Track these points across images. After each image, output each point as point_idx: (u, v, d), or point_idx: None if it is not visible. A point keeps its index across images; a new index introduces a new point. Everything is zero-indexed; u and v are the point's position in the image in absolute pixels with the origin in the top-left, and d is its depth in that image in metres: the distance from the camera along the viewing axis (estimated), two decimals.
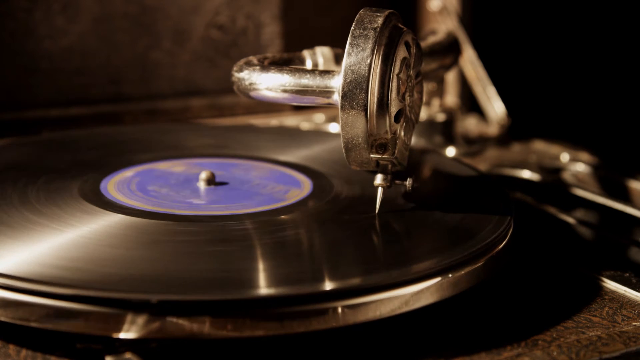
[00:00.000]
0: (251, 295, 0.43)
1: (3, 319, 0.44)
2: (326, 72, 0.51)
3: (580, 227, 0.62)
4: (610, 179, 0.72)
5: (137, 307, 0.42)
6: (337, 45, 0.59)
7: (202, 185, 0.57)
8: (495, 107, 0.84)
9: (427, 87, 0.77)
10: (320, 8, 0.93)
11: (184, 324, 0.42)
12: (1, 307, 0.43)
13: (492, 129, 0.83)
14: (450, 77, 0.90)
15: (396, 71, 0.49)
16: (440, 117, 0.79)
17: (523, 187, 0.70)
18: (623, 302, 0.51)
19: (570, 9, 1.04)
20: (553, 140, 0.82)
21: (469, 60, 0.85)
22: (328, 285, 0.44)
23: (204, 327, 0.42)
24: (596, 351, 0.45)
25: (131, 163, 0.61)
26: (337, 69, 0.57)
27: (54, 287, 0.43)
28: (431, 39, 0.67)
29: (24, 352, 0.44)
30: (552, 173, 0.73)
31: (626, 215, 0.64)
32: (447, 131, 0.79)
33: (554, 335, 0.47)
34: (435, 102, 0.79)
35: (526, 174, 0.72)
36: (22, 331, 0.45)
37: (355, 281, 0.44)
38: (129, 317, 0.42)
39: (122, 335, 0.42)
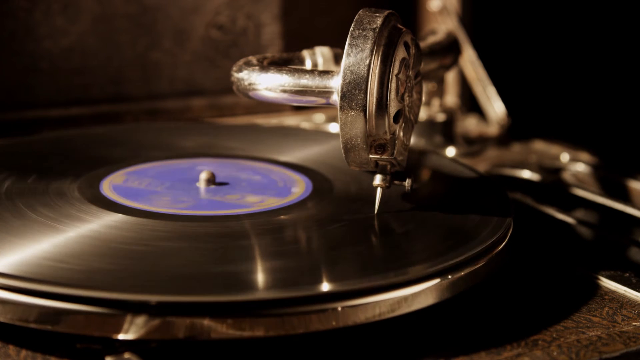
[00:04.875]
0: (250, 296, 0.43)
1: (3, 319, 0.44)
2: (325, 73, 0.51)
3: (580, 227, 0.62)
4: (610, 179, 0.72)
5: (137, 308, 0.42)
6: (337, 45, 0.59)
7: (202, 185, 0.57)
8: (495, 107, 0.84)
9: (427, 87, 0.77)
10: (320, 8, 0.93)
11: (184, 325, 0.42)
12: (1, 307, 0.44)
13: (492, 129, 0.83)
14: (450, 77, 0.90)
15: (395, 72, 0.49)
16: (440, 117, 0.79)
17: (523, 187, 0.70)
18: (623, 302, 0.51)
19: (570, 9, 1.04)
20: (553, 140, 0.82)
21: (469, 60, 0.85)
22: (327, 286, 0.44)
23: (203, 327, 0.42)
24: (596, 351, 0.45)
25: (131, 162, 0.61)
26: (337, 69, 0.57)
27: (53, 287, 0.43)
28: (431, 39, 0.67)
29: (24, 352, 0.44)
30: (552, 173, 0.73)
31: (626, 215, 0.64)
32: (447, 131, 0.79)
33: (554, 335, 0.47)
34: (435, 102, 0.79)
35: (526, 174, 0.72)
36: (22, 331, 0.45)
37: (354, 282, 0.44)
38: (128, 318, 0.42)
39: (122, 335, 0.42)
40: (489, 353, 0.45)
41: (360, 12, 0.50)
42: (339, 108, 0.49)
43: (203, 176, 0.57)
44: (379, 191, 0.53)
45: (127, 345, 0.43)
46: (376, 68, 0.49)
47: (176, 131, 0.72)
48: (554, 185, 0.70)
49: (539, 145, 0.82)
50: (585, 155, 0.78)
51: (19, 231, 0.49)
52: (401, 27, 0.51)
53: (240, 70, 0.54)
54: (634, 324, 0.48)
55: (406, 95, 0.51)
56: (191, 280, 0.45)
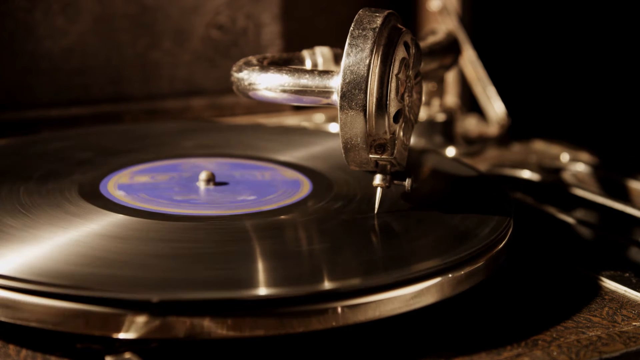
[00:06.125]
0: (251, 295, 0.43)
1: (3, 319, 0.44)
2: (325, 73, 0.51)
3: (580, 227, 0.62)
4: (610, 179, 0.72)
5: (137, 307, 0.42)
6: (337, 45, 0.59)
7: (202, 185, 0.57)
8: (495, 107, 0.84)
9: (427, 87, 0.77)
10: (320, 8, 0.93)
11: (184, 324, 0.42)
12: (1, 307, 0.44)
13: (492, 129, 0.83)
14: (450, 77, 0.90)
15: (395, 71, 0.49)
16: (440, 117, 0.79)
17: (523, 187, 0.70)
18: (623, 302, 0.51)
19: (570, 9, 1.04)
20: (553, 140, 0.82)
21: (469, 60, 0.85)
22: (328, 286, 0.44)
23: (204, 327, 0.42)
24: (596, 351, 0.45)
25: (130, 162, 0.61)
26: (337, 69, 0.57)
27: (54, 288, 0.43)
28: (431, 39, 0.67)
29: (24, 352, 0.44)
30: (552, 173, 0.73)
31: (626, 215, 0.64)
32: (447, 131, 0.79)
33: (554, 335, 0.47)
34: (435, 102, 0.79)
35: (526, 174, 0.72)
36: (22, 331, 0.45)
37: (354, 281, 0.44)
38: (128, 317, 0.42)
39: (122, 335, 0.42)
40: (489, 353, 0.45)
41: (360, 12, 0.50)
42: (338, 108, 0.49)
43: (203, 176, 0.57)
44: (379, 191, 0.53)
45: (127, 345, 0.43)
46: (376, 68, 0.49)
47: (176, 131, 0.72)
48: (554, 185, 0.70)
49: (539, 145, 0.82)
50: (585, 155, 0.78)
51: (19, 231, 0.49)
52: (401, 27, 0.51)
53: (240, 70, 0.54)
54: (634, 324, 0.48)
55: (406, 95, 0.51)
56: (191, 279, 0.45)
